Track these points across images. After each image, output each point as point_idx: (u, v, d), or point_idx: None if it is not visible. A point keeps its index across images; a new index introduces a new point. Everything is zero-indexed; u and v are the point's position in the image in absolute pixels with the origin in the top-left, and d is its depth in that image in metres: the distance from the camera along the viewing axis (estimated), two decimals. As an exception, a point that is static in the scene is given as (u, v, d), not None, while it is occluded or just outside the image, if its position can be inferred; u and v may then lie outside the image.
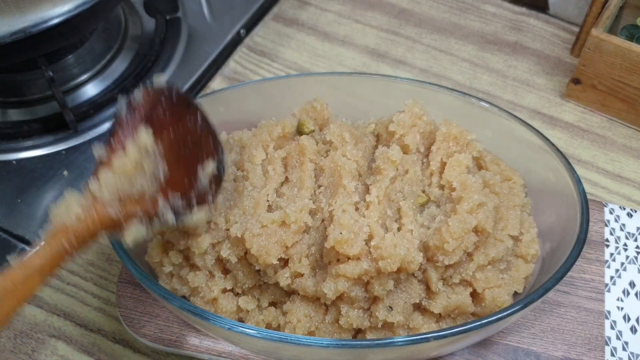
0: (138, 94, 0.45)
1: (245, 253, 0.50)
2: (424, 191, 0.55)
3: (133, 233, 0.43)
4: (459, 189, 0.52)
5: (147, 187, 0.43)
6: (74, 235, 0.40)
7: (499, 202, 0.54)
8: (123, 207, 0.42)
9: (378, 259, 0.47)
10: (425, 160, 0.57)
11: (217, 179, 0.49)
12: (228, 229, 0.51)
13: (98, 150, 0.44)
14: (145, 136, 0.44)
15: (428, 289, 0.51)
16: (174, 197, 0.45)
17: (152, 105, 0.45)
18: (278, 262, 0.49)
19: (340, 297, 0.49)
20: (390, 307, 0.49)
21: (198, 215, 0.47)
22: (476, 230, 0.50)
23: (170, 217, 0.44)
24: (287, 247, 0.49)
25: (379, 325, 0.49)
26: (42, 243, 0.40)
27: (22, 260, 0.39)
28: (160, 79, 0.47)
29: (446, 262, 0.49)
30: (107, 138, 0.44)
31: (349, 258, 0.47)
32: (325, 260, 0.49)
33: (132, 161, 0.43)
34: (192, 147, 0.47)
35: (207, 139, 0.48)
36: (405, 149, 0.55)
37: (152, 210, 0.44)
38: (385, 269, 0.46)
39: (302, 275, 0.49)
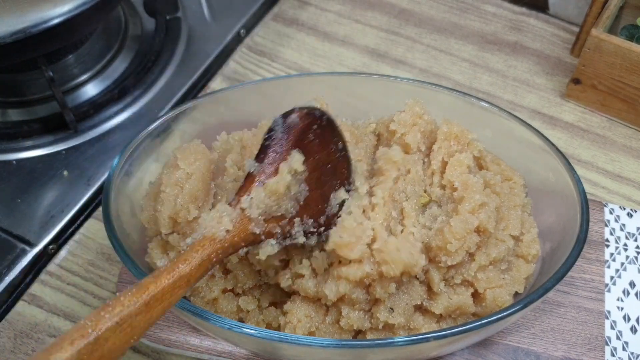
0: (295, 117, 0.47)
1: (246, 253, 0.50)
2: (425, 191, 0.55)
3: (268, 251, 0.44)
4: (461, 188, 0.52)
5: (289, 209, 0.45)
6: (221, 248, 0.41)
7: (500, 202, 0.54)
8: (266, 225, 0.43)
9: (381, 263, 0.46)
10: (426, 159, 0.57)
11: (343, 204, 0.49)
12: (228, 230, 0.51)
13: (249, 164, 0.45)
14: (298, 161, 0.45)
15: (429, 289, 0.51)
16: (308, 220, 0.46)
17: (305, 128, 0.47)
18: (279, 263, 0.49)
19: (341, 299, 0.49)
20: (392, 309, 0.49)
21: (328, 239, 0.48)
22: (478, 230, 0.50)
23: (301, 239, 0.46)
24: (287, 249, 0.49)
25: (380, 327, 0.49)
26: (189, 250, 0.40)
27: (170, 267, 0.38)
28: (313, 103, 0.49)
29: (449, 263, 0.49)
30: (260, 153, 0.46)
31: (350, 261, 0.47)
32: (327, 261, 0.49)
33: (284, 184, 0.44)
34: (330, 174, 0.48)
35: (344, 165, 0.50)
36: (406, 149, 0.55)
37: (288, 231, 0.45)
38: (388, 273, 0.46)
39: (302, 276, 0.49)
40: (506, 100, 0.78)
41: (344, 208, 0.49)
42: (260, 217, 0.43)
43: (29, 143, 0.71)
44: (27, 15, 0.59)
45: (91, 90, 0.76)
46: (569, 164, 0.55)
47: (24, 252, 0.63)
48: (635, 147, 0.73)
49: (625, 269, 0.60)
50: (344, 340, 0.48)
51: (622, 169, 0.72)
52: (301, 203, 0.46)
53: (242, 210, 0.43)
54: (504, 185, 0.55)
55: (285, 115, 0.47)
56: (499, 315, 0.45)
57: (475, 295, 0.51)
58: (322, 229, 0.47)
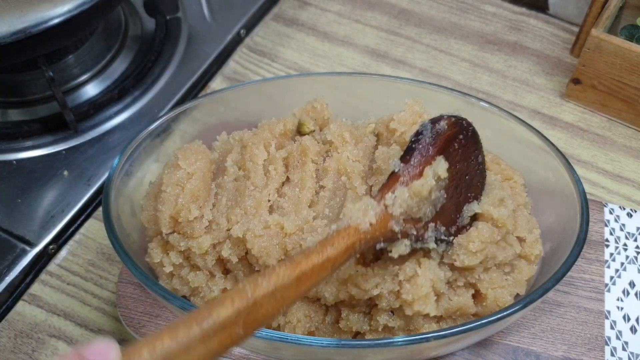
0: (444, 123, 0.48)
1: (246, 253, 0.50)
2: None
3: (400, 250, 0.45)
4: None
5: (427, 213, 0.46)
6: (363, 239, 0.42)
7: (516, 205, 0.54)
8: (404, 225, 0.44)
9: (405, 306, 0.47)
10: None
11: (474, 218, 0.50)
12: (229, 229, 0.51)
13: (394, 164, 0.46)
14: (443, 168, 0.46)
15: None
16: (441, 227, 0.47)
17: (452, 136, 0.48)
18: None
19: (341, 301, 0.49)
20: (392, 312, 0.49)
21: (475, 244, 0.48)
22: (496, 225, 0.50)
23: (432, 245, 0.46)
24: (287, 250, 0.49)
25: (380, 329, 0.49)
26: (336, 236, 0.41)
27: (320, 248, 0.39)
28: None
29: (466, 263, 0.48)
30: (406, 154, 0.47)
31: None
32: None
33: (428, 188, 0.45)
34: (467, 185, 0.49)
35: (480, 179, 0.50)
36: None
37: (422, 234, 0.46)
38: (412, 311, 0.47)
39: None
40: (506, 100, 0.78)
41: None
42: (400, 216, 0.44)
43: (29, 143, 0.71)
44: (27, 15, 0.59)
45: (91, 90, 0.76)
46: (569, 164, 0.55)
47: (24, 252, 0.63)
48: (635, 147, 0.73)
49: (625, 269, 0.60)
50: (344, 340, 0.48)
51: (622, 169, 0.72)
52: (437, 209, 0.47)
53: (386, 207, 0.44)
54: (504, 185, 0.55)
55: (434, 121, 0.48)
56: (499, 315, 0.45)
57: (476, 295, 0.51)
58: (452, 238, 0.48)
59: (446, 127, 0.48)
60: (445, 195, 0.47)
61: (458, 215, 0.49)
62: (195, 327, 0.31)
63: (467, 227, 0.49)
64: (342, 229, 0.42)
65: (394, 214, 0.44)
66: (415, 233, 0.46)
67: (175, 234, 0.52)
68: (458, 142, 0.49)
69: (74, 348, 0.27)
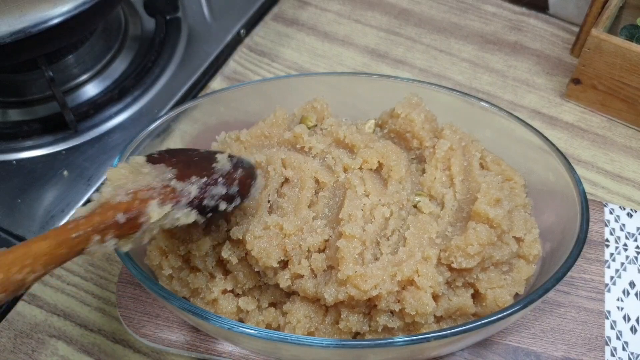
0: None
1: (246, 254, 0.50)
2: (421, 193, 0.55)
3: (154, 210, 0.43)
4: (475, 184, 0.53)
5: (154, 181, 0.44)
6: (83, 224, 0.40)
7: (514, 205, 0.54)
8: (133, 194, 0.43)
9: (405, 315, 0.48)
10: (431, 150, 0.57)
11: (247, 172, 0.51)
12: (229, 230, 0.51)
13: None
14: (135, 157, 0.47)
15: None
16: (191, 179, 0.46)
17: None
18: (278, 264, 0.49)
19: (340, 301, 0.49)
20: (392, 312, 0.49)
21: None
22: (492, 226, 0.50)
23: (195, 190, 0.45)
24: (286, 251, 0.49)
25: (379, 329, 0.49)
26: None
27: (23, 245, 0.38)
28: None
29: (463, 265, 0.49)
30: None
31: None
32: (327, 262, 0.49)
33: (125, 170, 0.45)
34: (199, 160, 0.50)
35: (209, 156, 0.50)
36: (412, 134, 0.56)
37: (171, 190, 0.44)
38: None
39: (302, 276, 0.49)
40: (506, 100, 0.78)
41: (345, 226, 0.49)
42: (117, 193, 0.42)
43: (29, 143, 0.71)
44: (27, 15, 0.59)
45: (91, 90, 0.76)
46: (569, 164, 0.55)
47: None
48: (635, 147, 0.73)
49: (625, 269, 0.60)
50: (344, 340, 0.48)
51: (622, 169, 0.72)
52: (171, 175, 0.45)
53: (99, 199, 0.42)
54: (504, 186, 0.55)
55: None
56: (499, 315, 0.45)
57: (476, 295, 0.51)
58: (225, 180, 0.47)
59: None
60: (170, 168, 0.46)
61: (211, 169, 0.48)
62: None
63: (239, 171, 0.49)
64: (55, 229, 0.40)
65: (107, 197, 0.42)
66: (155, 194, 0.43)
67: (172, 240, 0.52)
68: (156, 154, 0.50)
69: None
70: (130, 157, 0.48)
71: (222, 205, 0.47)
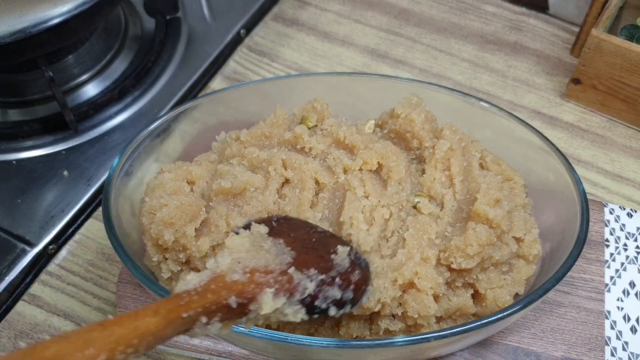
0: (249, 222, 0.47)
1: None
2: (421, 193, 0.55)
3: (267, 301, 0.39)
4: (475, 184, 0.53)
5: (272, 261, 0.41)
6: (196, 297, 0.36)
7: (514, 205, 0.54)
8: (249, 275, 0.39)
9: (407, 318, 0.48)
10: (431, 151, 0.57)
11: (360, 263, 0.46)
12: (228, 232, 0.51)
13: (210, 264, 0.41)
14: (256, 226, 0.44)
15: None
16: (308, 271, 0.42)
17: (264, 220, 0.47)
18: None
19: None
20: (393, 316, 0.49)
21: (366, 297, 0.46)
22: (491, 226, 0.50)
23: (312, 286, 0.41)
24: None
25: (380, 333, 0.49)
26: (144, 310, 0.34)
27: (130, 316, 0.33)
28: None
29: (463, 265, 0.49)
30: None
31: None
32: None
33: (245, 240, 0.42)
34: (317, 244, 0.46)
35: (332, 239, 0.48)
36: (412, 134, 0.56)
37: (287, 281, 0.41)
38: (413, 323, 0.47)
39: None
40: (506, 100, 0.78)
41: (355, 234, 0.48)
42: (233, 266, 0.39)
43: (29, 143, 0.71)
44: (27, 15, 0.59)
45: (91, 90, 0.76)
46: (569, 164, 0.55)
47: (24, 252, 0.63)
48: (635, 147, 0.73)
49: (625, 269, 0.60)
50: (344, 340, 0.48)
51: (622, 169, 0.72)
52: (290, 259, 0.42)
53: (212, 271, 0.39)
54: (504, 186, 0.56)
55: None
56: (499, 316, 0.45)
57: (476, 295, 0.51)
58: (339, 280, 0.43)
59: (253, 220, 0.48)
60: (289, 249, 0.43)
61: (329, 262, 0.44)
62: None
63: (356, 271, 0.45)
64: (165, 299, 0.35)
65: (222, 268, 0.39)
66: (272, 280, 0.40)
67: (171, 252, 0.52)
68: (276, 222, 0.47)
69: None
70: (253, 225, 0.45)
71: (332, 311, 0.42)
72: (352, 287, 0.43)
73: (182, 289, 0.36)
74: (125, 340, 0.31)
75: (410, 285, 0.48)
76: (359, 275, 0.44)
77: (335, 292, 0.42)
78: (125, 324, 0.31)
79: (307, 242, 0.46)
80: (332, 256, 0.44)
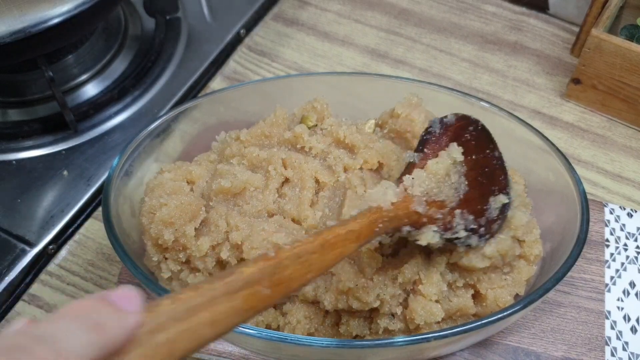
0: (451, 116, 0.52)
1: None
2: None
3: (428, 237, 0.45)
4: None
5: (450, 196, 0.47)
6: (387, 217, 0.43)
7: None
8: (428, 208, 0.45)
9: (409, 322, 0.48)
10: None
11: (504, 215, 0.49)
12: (228, 232, 0.51)
13: (409, 155, 0.50)
14: (457, 151, 0.49)
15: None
16: (468, 216, 0.47)
17: (461, 127, 0.51)
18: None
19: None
20: (392, 315, 0.49)
21: (491, 247, 0.48)
22: (515, 235, 0.51)
23: (463, 233, 0.46)
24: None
25: (380, 332, 0.49)
26: (358, 215, 0.42)
27: (342, 222, 0.40)
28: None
29: (473, 262, 0.48)
30: (419, 146, 0.51)
31: None
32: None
33: (444, 166, 0.47)
34: (487, 177, 0.50)
35: (501, 174, 0.50)
36: (413, 134, 0.56)
37: (449, 221, 0.46)
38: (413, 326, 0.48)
39: None
40: (506, 100, 0.78)
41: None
42: (422, 196, 0.45)
43: (29, 143, 0.71)
44: (27, 15, 0.59)
45: (91, 90, 0.76)
46: (569, 164, 0.55)
47: (24, 252, 0.63)
48: (635, 147, 0.73)
49: (625, 269, 0.60)
50: (344, 340, 0.48)
51: (622, 169, 0.72)
52: (461, 196, 0.47)
53: (405, 188, 0.45)
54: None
55: (443, 117, 0.52)
56: (499, 316, 0.45)
57: (476, 295, 0.51)
58: (483, 229, 0.47)
59: (454, 119, 0.51)
60: (466, 183, 0.48)
61: (485, 207, 0.48)
62: (218, 282, 0.31)
63: (498, 222, 0.48)
64: (364, 210, 0.42)
65: (414, 193, 0.45)
66: (441, 217, 0.45)
67: (171, 252, 0.52)
68: (469, 134, 0.50)
69: (97, 293, 0.26)
70: (453, 147, 0.49)
71: (462, 242, 0.46)
72: (487, 237, 0.47)
73: (375, 204, 0.43)
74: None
75: (413, 290, 0.48)
76: (498, 227, 0.48)
77: (474, 240, 0.46)
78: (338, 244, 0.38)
79: (481, 171, 0.49)
80: (491, 199, 0.48)
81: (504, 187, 0.50)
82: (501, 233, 0.49)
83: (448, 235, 0.45)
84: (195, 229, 0.51)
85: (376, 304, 0.47)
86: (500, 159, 0.51)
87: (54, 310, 0.61)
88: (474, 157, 0.49)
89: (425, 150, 0.50)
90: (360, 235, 0.40)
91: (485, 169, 0.49)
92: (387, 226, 0.43)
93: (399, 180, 0.47)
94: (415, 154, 0.50)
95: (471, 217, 0.46)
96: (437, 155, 0.49)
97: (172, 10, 0.83)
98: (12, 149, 0.71)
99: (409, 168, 0.49)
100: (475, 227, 0.47)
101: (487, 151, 0.50)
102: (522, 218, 0.50)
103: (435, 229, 0.45)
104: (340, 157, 0.55)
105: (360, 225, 0.41)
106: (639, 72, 0.69)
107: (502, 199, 0.48)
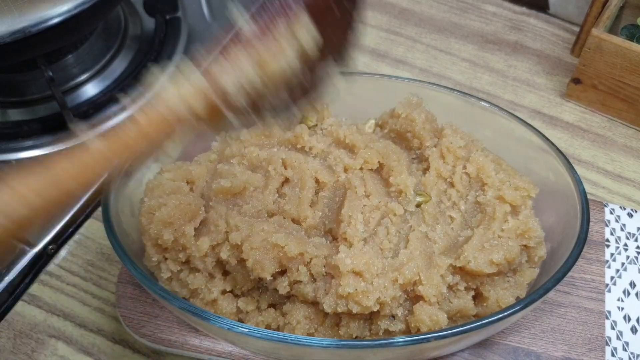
0: None
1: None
2: (423, 193, 0.55)
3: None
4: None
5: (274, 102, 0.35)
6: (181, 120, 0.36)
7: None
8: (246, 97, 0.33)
9: (411, 325, 0.48)
10: (433, 150, 0.57)
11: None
12: (228, 232, 0.50)
13: (240, 20, 0.31)
14: (309, 33, 0.33)
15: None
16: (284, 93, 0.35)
17: None
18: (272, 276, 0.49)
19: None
20: (393, 316, 0.49)
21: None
22: (526, 244, 0.51)
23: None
24: (282, 264, 0.49)
25: (380, 333, 0.49)
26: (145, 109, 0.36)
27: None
28: None
29: (481, 265, 0.49)
30: (254, 13, 0.34)
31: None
32: (327, 268, 0.49)
33: (287, 68, 0.33)
34: (330, 29, 0.36)
35: (344, 31, 0.38)
36: (413, 134, 0.56)
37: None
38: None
39: (300, 282, 0.49)
40: (506, 100, 0.78)
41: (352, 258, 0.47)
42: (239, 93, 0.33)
43: (29, 143, 0.71)
44: (27, 15, 0.59)
45: (91, 90, 0.76)
46: (569, 164, 0.55)
47: (23, 252, 0.63)
48: (635, 147, 0.73)
49: (625, 269, 0.60)
50: (344, 340, 0.48)
51: (623, 169, 0.72)
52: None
53: (210, 73, 0.33)
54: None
55: None
56: (500, 316, 0.45)
57: (477, 296, 0.51)
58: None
59: None
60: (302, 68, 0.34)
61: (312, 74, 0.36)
62: None
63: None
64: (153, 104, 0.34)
65: (229, 99, 0.33)
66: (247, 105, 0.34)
67: (170, 252, 0.51)
68: None
69: None
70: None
71: None
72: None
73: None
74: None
75: (412, 284, 0.48)
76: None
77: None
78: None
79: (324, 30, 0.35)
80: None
81: (340, 46, 0.37)
82: (511, 241, 0.49)
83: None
84: (195, 229, 0.51)
85: (376, 308, 0.47)
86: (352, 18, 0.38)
87: (54, 310, 0.61)
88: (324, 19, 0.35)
89: (264, 18, 0.33)
90: (149, 135, 0.36)
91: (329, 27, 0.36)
92: (184, 127, 0.34)
93: (214, 65, 0.35)
94: (249, 18, 0.34)
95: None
96: (278, 36, 0.33)
97: (172, 10, 0.83)
98: (12, 148, 0.70)
99: (235, 41, 0.35)
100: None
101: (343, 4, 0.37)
102: (537, 228, 0.49)
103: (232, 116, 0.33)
104: (341, 157, 0.55)
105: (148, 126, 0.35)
106: (639, 72, 0.69)
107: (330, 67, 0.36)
